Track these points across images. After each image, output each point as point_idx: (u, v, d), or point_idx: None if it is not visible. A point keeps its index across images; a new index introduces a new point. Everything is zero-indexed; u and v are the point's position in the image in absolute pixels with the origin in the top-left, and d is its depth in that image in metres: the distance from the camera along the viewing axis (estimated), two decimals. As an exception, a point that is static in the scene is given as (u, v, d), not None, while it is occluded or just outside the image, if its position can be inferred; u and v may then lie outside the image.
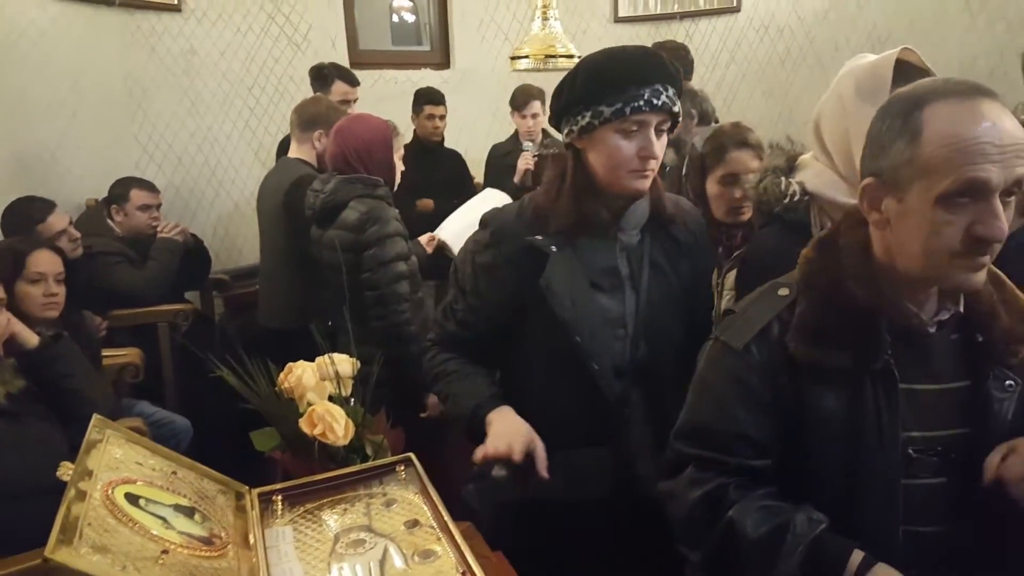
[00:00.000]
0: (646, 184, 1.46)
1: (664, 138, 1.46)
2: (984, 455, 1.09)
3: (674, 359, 1.49)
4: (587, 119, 1.41)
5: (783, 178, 1.48)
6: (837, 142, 1.40)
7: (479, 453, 1.41)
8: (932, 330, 1.11)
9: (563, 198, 1.49)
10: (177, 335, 3.13)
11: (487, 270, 1.54)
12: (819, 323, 1.11)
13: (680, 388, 1.26)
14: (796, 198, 1.44)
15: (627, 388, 1.52)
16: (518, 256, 1.49)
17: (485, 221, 1.60)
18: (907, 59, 1.35)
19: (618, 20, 5.35)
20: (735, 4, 4.91)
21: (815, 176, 1.45)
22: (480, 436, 1.45)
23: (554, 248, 1.48)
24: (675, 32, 5.08)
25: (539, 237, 1.49)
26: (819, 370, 1.10)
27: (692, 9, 5.09)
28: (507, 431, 1.42)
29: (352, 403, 1.37)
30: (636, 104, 1.38)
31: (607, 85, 1.40)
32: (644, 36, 5.10)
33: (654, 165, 1.45)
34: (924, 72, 1.34)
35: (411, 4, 5.38)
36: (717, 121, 3.03)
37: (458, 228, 3.07)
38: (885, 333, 1.09)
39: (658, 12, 5.22)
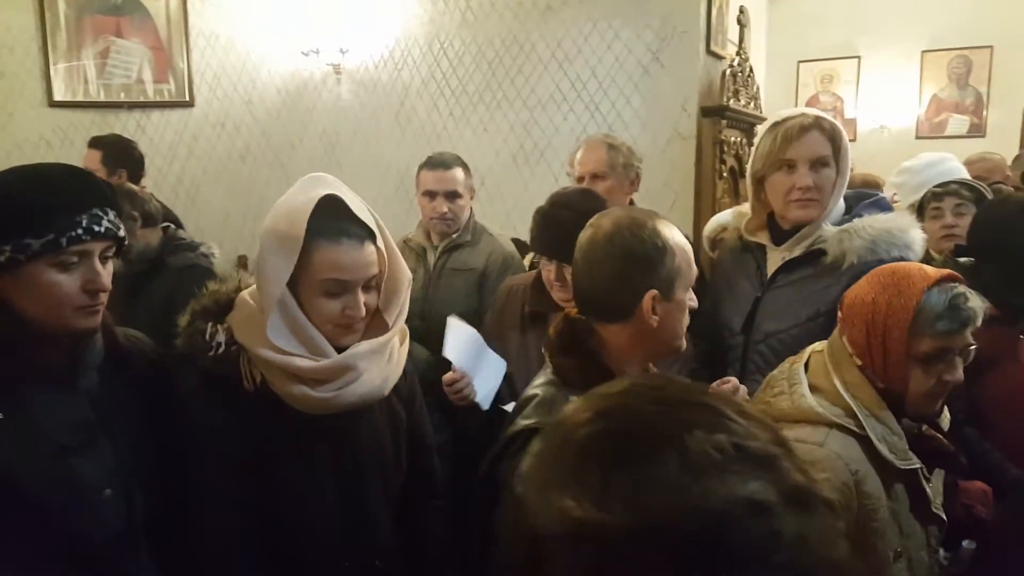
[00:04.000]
0: (97, 319, 1.30)
1: (110, 265, 1.31)
2: None
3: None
4: (7, 255, 1.19)
5: (210, 324, 1.38)
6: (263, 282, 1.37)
7: None
8: None
9: None
10: None
11: None
12: None
13: None
14: (221, 350, 1.35)
15: (129, 556, 1.31)
16: None
17: None
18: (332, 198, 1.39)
19: (53, 105, 4.72)
20: (188, 99, 4.78)
21: (244, 322, 1.37)
22: None
23: None
24: (124, 123, 4.70)
25: None
26: None
27: (141, 100, 4.78)
28: None
29: None
30: (74, 233, 1.21)
31: (32, 215, 1.19)
32: (87, 124, 4.60)
33: (104, 299, 1.29)
34: (347, 209, 1.37)
35: None
36: (169, 221, 2.82)
37: None
38: None
39: (102, 99, 4.76)
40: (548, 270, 1.98)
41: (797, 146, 1.88)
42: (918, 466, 1.40)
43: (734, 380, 1.66)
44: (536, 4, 3.98)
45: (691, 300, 1.41)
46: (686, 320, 1.41)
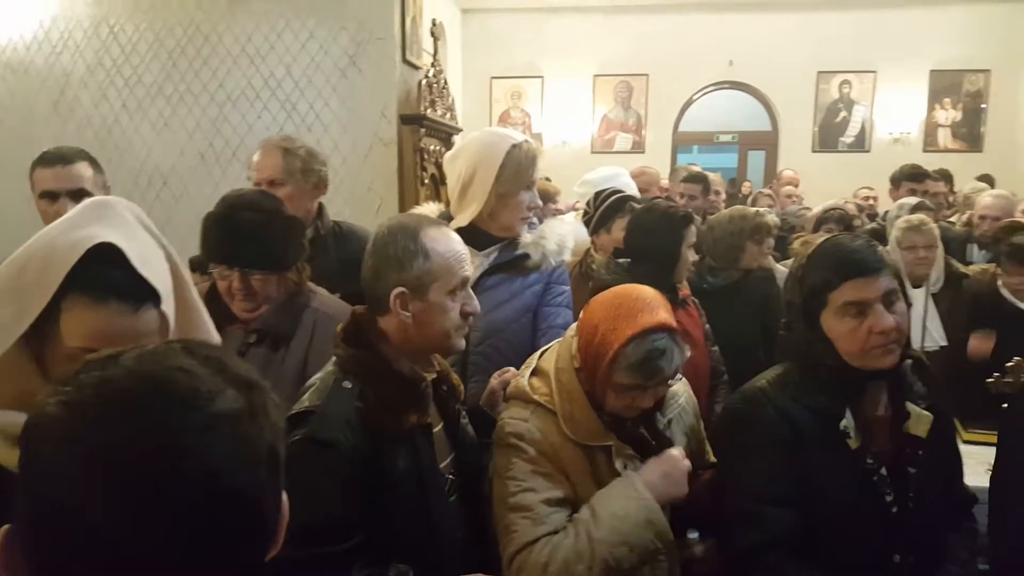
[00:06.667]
0: None
1: None
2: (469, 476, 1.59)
3: None
4: None
5: None
6: None
7: None
8: (427, 386, 1.49)
9: None
10: None
11: None
12: (393, 397, 1.40)
13: None
14: None
15: None
16: None
17: None
18: None
19: None
20: None
21: None
22: None
23: None
24: None
25: None
26: (392, 437, 1.38)
27: None
28: None
29: None
30: None
31: None
32: None
33: None
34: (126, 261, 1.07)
35: None
36: None
37: None
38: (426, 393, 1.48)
39: None
40: (227, 279, 1.82)
41: (536, 169, 2.10)
42: (608, 444, 1.56)
43: (513, 369, 1.75)
44: (222, -6, 3.73)
45: (467, 305, 1.50)
46: (453, 322, 1.48)
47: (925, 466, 1.49)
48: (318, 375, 1.48)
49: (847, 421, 1.47)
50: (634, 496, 1.49)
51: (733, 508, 1.51)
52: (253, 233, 1.80)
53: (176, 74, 3.80)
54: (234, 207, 1.84)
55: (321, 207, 2.48)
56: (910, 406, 1.51)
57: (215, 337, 1.21)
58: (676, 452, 1.57)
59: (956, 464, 1.63)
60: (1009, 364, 2.43)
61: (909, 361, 1.54)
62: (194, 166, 3.83)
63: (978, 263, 3.57)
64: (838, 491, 1.44)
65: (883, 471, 1.47)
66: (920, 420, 1.50)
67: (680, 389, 1.73)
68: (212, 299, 1.84)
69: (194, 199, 3.77)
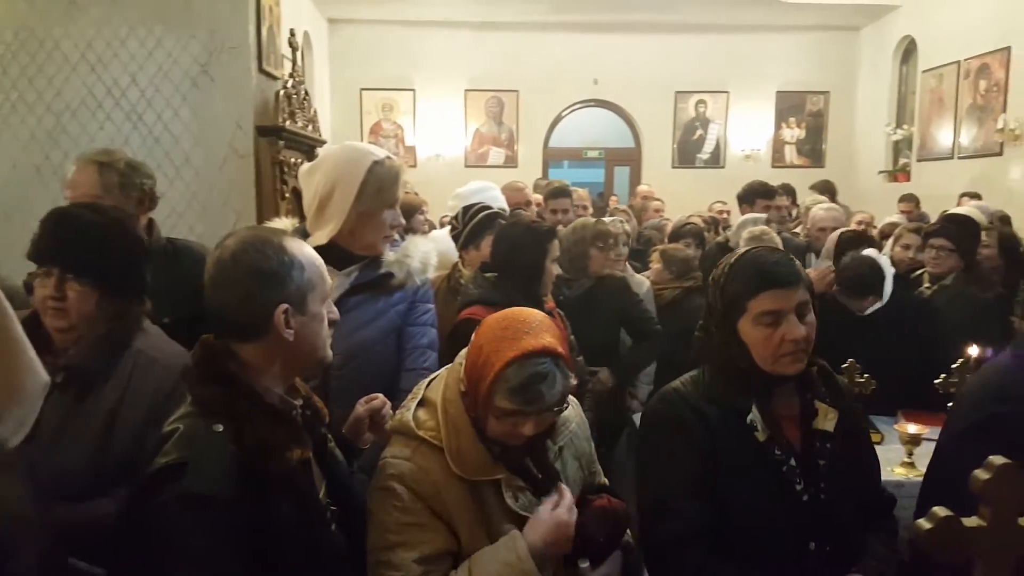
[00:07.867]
0: None
1: None
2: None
3: None
4: None
5: None
6: None
7: None
8: (298, 414, 1.41)
9: None
10: None
11: None
12: (271, 435, 1.29)
13: None
14: None
15: None
16: None
17: None
18: None
19: None
20: None
21: None
22: None
23: None
24: None
25: None
26: (278, 478, 1.28)
27: None
28: None
29: None
30: None
31: None
32: None
33: None
34: None
35: None
36: None
37: None
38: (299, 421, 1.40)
39: None
40: (44, 287, 1.61)
41: (400, 187, 2.05)
42: (498, 477, 1.48)
43: (381, 396, 1.67)
44: (58, -3, 3.46)
45: (331, 312, 1.44)
46: (326, 332, 1.43)
47: (834, 458, 1.57)
48: (175, 419, 1.31)
49: (753, 415, 1.55)
50: (514, 563, 1.41)
51: (651, 503, 1.58)
52: (82, 232, 1.60)
53: (7, 81, 3.50)
54: (76, 205, 1.68)
55: (151, 224, 2.32)
56: (818, 403, 1.61)
57: (42, 376, 1.10)
58: (564, 512, 1.47)
59: (870, 459, 1.71)
60: (844, 365, 2.64)
61: (815, 368, 1.62)
62: (28, 180, 3.53)
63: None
64: (747, 481, 1.52)
65: (792, 462, 1.55)
66: (827, 416, 1.60)
67: (571, 414, 1.65)
68: (32, 324, 1.62)
69: (29, 216, 3.44)
